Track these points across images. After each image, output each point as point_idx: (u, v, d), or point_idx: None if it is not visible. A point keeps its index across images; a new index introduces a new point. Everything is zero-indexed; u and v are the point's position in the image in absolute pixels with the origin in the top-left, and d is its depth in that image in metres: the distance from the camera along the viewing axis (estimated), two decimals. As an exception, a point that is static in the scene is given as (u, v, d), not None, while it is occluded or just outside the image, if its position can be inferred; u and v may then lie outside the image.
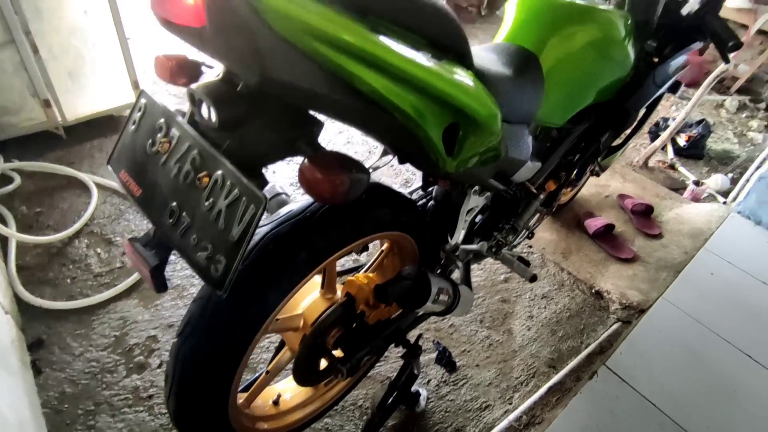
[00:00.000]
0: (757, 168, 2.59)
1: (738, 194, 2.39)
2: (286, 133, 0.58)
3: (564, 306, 1.73)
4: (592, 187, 2.35)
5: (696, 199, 2.39)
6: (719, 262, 1.96)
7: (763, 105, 3.75)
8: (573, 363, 1.51)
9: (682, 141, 2.81)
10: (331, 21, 0.47)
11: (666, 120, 2.93)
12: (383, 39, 0.51)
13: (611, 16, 1.13)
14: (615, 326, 1.67)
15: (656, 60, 1.38)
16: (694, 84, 3.96)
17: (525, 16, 1.09)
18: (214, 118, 0.53)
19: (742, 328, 1.68)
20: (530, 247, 1.95)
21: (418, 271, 0.85)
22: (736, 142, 3.16)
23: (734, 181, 2.64)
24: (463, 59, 0.67)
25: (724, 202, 2.36)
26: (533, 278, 1.11)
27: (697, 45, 1.46)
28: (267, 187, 0.61)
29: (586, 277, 1.85)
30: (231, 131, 0.54)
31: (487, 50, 1.01)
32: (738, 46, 1.20)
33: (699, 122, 2.86)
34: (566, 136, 1.22)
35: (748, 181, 2.52)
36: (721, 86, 4.06)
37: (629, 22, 1.21)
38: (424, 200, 1.14)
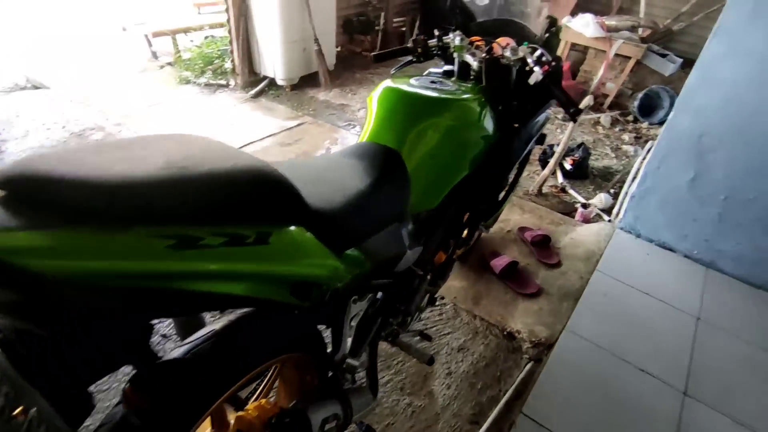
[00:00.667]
0: (631, 182, 2.89)
1: (619, 210, 2.65)
2: (113, 347, 0.55)
3: (480, 355, 1.80)
4: (495, 224, 2.49)
5: (586, 220, 2.62)
6: (610, 282, 2.14)
7: (631, 117, 4.23)
8: (492, 415, 1.55)
9: (568, 165, 3.08)
10: (124, 257, 0.45)
11: (552, 147, 3.19)
12: (195, 248, 0.51)
13: (463, 102, 1.22)
14: (528, 367, 1.76)
15: (517, 125, 1.51)
16: (573, 105, 4.39)
17: (384, 114, 1.14)
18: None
19: (635, 344, 1.84)
20: (442, 298, 2.01)
21: (295, 412, 0.84)
22: (614, 157, 3.53)
23: (616, 196, 2.93)
24: (298, 212, 0.68)
25: (609, 220, 2.60)
26: (430, 361, 1.14)
27: (554, 102, 1.62)
28: None
29: (497, 320, 1.93)
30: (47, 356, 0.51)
31: (350, 155, 1.04)
32: (578, 112, 1.35)
33: (579, 146, 3.16)
34: (444, 213, 1.29)
35: (626, 195, 2.81)
36: (596, 103, 4.54)
37: (483, 100, 1.31)
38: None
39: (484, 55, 1.48)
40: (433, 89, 1.22)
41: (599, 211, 2.69)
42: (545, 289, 2.11)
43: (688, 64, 4.49)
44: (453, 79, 1.49)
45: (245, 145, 3.11)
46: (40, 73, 4.03)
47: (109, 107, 3.53)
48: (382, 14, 5.16)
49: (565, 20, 4.48)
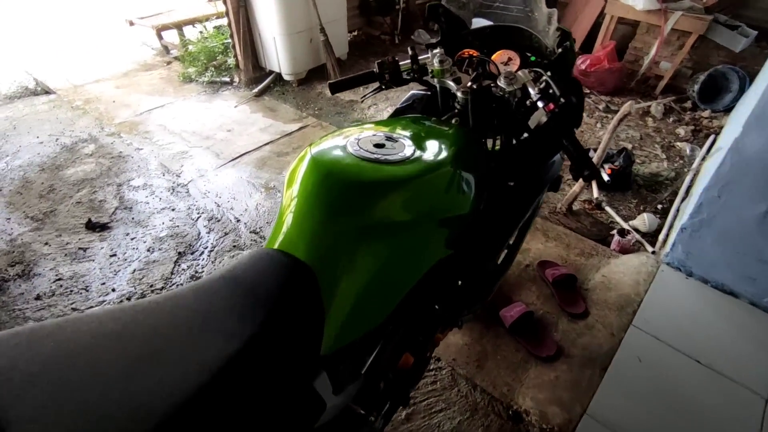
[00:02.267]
0: (684, 197, 2.40)
1: (667, 236, 2.19)
2: None
3: (477, 443, 1.48)
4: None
5: (624, 250, 2.18)
6: (648, 342, 1.74)
7: (688, 104, 3.60)
8: None
9: (605, 175, 2.60)
10: None
11: (587, 151, 2.72)
12: None
13: (421, 179, 0.85)
14: (535, 464, 1.43)
15: (513, 183, 1.13)
16: (618, 91, 3.81)
17: (298, 206, 0.80)
18: None
19: (677, 437, 1.46)
20: (438, 360, 1.70)
21: None
22: (665, 158, 2.98)
23: (665, 213, 2.45)
24: None
25: (653, 252, 2.15)
26: None
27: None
28: None
29: (502, 392, 1.60)
30: None
31: (231, 280, 0.70)
32: (593, 175, 0.96)
33: (620, 152, 2.66)
34: (398, 325, 0.95)
35: (677, 213, 2.33)
36: (647, 87, 3.92)
37: (456, 163, 0.94)
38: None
39: (469, 84, 1.10)
40: (380, 159, 0.85)
41: (640, 239, 2.23)
42: (565, 348, 1.74)
43: (764, 36, 3.75)
44: (431, 121, 1.12)
45: (239, 156, 2.85)
46: (47, 74, 3.92)
47: (107, 113, 3.36)
48: (402, -9, 4.66)
49: (612, -10, 3.83)
